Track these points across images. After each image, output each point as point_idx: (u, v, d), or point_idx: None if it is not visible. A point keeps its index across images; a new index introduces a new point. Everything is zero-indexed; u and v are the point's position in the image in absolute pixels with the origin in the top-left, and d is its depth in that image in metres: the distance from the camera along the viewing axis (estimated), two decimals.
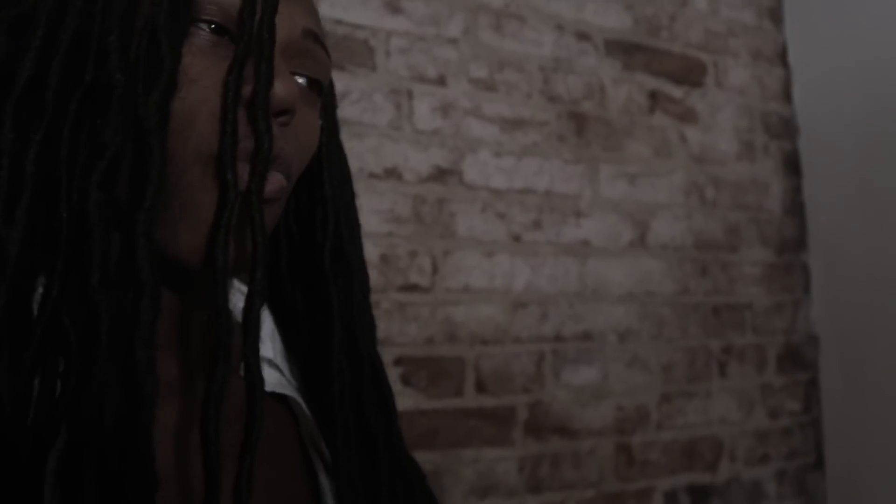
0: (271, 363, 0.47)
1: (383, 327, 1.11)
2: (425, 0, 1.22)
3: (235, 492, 0.33)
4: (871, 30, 1.42)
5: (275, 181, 0.38)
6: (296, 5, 0.41)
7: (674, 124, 1.44)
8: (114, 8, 0.36)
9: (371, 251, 1.11)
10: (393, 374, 1.10)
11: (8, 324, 0.32)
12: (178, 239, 0.36)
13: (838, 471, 1.48)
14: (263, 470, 0.39)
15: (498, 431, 1.18)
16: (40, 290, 0.33)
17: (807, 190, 1.57)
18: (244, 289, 0.45)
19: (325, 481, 0.45)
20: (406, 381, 1.12)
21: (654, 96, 1.43)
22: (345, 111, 1.13)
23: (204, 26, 0.37)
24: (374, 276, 1.12)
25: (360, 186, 1.12)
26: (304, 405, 0.46)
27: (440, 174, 1.19)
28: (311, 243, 0.49)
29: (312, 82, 0.43)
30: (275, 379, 0.45)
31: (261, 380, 0.35)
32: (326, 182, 0.49)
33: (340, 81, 1.13)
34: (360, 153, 1.13)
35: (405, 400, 1.10)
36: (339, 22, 1.14)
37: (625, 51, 1.40)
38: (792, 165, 1.58)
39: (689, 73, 1.48)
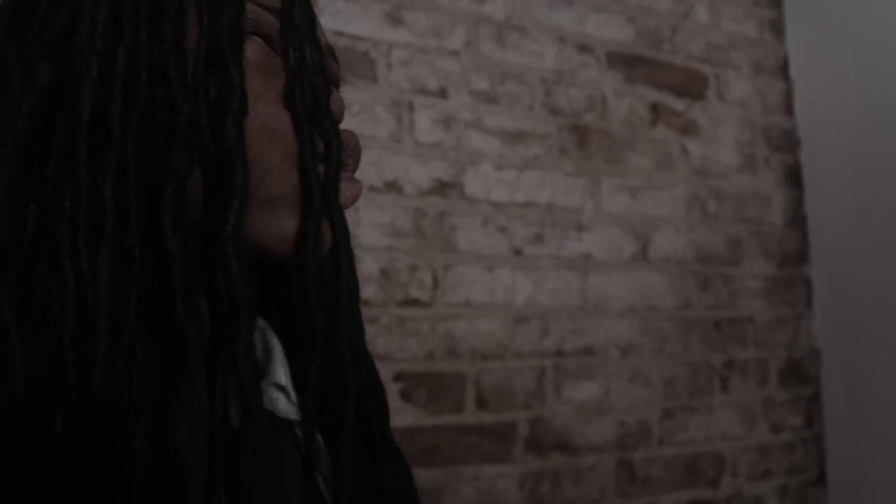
0: (282, 389, 0.47)
1: (383, 342, 1.09)
2: (427, 12, 1.21)
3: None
4: (871, 43, 1.42)
5: (357, 188, 0.42)
6: (318, 25, 0.44)
7: (675, 137, 1.43)
8: (166, 29, 0.36)
9: (371, 265, 1.10)
10: (392, 390, 1.08)
11: (105, 370, 0.31)
12: (267, 230, 0.38)
13: (841, 486, 1.47)
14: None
15: (498, 448, 1.16)
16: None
17: (808, 203, 1.57)
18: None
19: None
20: (406, 396, 1.10)
21: (655, 109, 1.42)
22: (345, 123, 1.11)
23: (257, 39, 0.39)
24: (374, 291, 1.11)
25: (360, 200, 1.12)
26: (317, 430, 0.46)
27: (441, 187, 1.18)
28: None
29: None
30: (282, 404, 0.46)
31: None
32: None
33: (341, 93, 1.12)
34: (360, 166, 1.12)
35: (405, 416, 1.09)
36: (339, 34, 1.13)
37: (627, 63, 1.40)
38: (793, 178, 1.58)
39: (691, 86, 1.47)
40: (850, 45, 1.47)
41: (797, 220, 1.56)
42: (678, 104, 1.45)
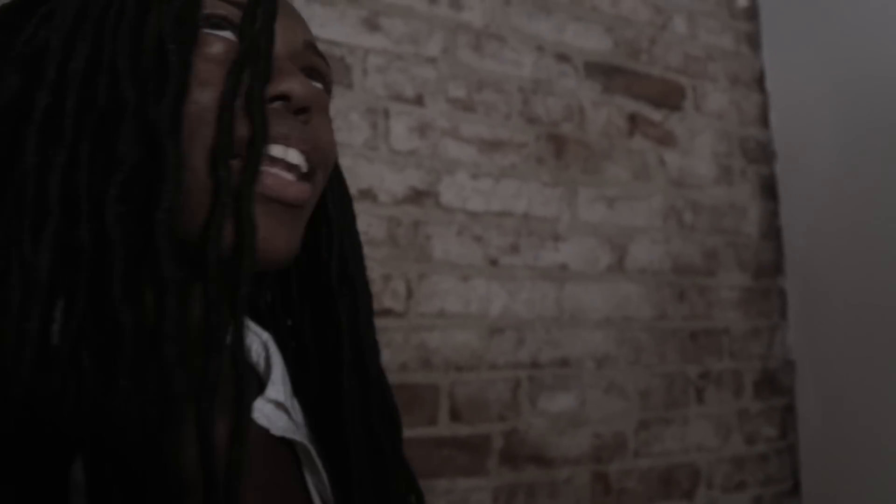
0: (280, 405, 0.46)
1: None
2: (404, 18, 1.20)
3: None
4: (847, 57, 1.43)
5: (301, 189, 0.39)
6: (295, 20, 0.44)
7: (653, 148, 1.43)
8: (122, 30, 0.37)
9: None
10: None
11: (36, 350, 0.32)
12: (181, 219, 0.37)
13: (815, 497, 1.47)
14: None
15: (472, 461, 1.14)
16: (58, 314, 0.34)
17: (784, 214, 1.58)
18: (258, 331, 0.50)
19: None
20: None
21: (633, 119, 1.42)
22: None
23: (218, 33, 0.39)
24: None
25: None
26: (313, 451, 0.45)
27: (416, 196, 1.16)
28: (317, 264, 0.50)
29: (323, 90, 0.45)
30: (283, 422, 0.45)
31: (245, 365, 0.36)
32: (330, 202, 0.50)
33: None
34: None
35: None
36: (315, 38, 1.11)
37: (605, 73, 1.40)
38: (769, 190, 1.58)
39: (669, 97, 1.48)
40: (825, 59, 1.48)
41: (772, 231, 1.57)
42: (655, 115, 1.45)
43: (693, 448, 1.38)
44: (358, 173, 1.12)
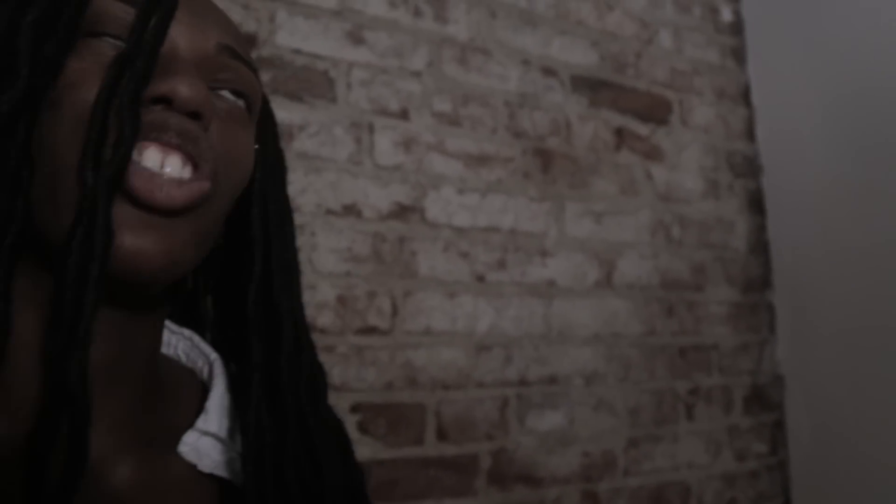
0: (215, 437, 0.42)
1: (339, 372, 1.05)
2: (389, 31, 1.18)
3: None
4: (832, 71, 1.43)
5: (175, 196, 0.36)
6: (207, 21, 0.41)
7: (640, 162, 1.43)
8: None
9: (328, 292, 1.06)
10: (350, 422, 1.04)
11: None
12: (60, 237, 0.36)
13: None
14: None
15: (460, 481, 1.12)
16: None
17: (771, 228, 1.57)
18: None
19: None
20: (363, 429, 1.06)
21: (620, 133, 1.41)
22: (303, 144, 1.08)
23: (108, 40, 0.37)
24: (331, 319, 1.06)
25: (317, 223, 1.08)
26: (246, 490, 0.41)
27: (401, 211, 1.14)
28: (235, 289, 0.45)
29: (238, 95, 0.42)
30: (216, 455, 0.41)
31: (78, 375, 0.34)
32: (255, 219, 0.46)
33: (298, 113, 1.08)
34: (317, 188, 1.08)
35: (362, 449, 1.04)
36: (297, 52, 1.09)
37: (591, 87, 1.39)
38: (756, 204, 1.58)
39: (655, 111, 1.47)
40: (811, 73, 1.48)
41: (760, 245, 1.56)
42: (642, 129, 1.44)
43: (683, 465, 1.36)
44: (342, 189, 1.10)
